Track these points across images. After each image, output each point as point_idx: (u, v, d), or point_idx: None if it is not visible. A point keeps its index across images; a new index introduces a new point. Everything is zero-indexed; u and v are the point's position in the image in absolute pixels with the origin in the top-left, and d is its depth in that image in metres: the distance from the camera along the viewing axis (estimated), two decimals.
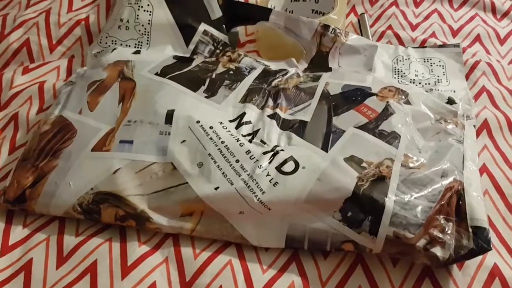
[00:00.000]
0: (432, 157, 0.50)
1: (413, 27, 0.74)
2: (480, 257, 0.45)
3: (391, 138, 0.51)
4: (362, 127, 0.52)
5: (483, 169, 0.54)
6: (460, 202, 0.46)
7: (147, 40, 0.64)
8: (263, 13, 0.66)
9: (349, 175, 0.47)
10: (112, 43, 0.64)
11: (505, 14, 0.78)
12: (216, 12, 0.66)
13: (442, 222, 0.44)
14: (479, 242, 0.44)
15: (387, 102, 0.55)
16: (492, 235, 0.48)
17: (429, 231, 0.44)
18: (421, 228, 0.44)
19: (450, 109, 0.56)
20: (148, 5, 0.65)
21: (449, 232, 0.44)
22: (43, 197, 0.49)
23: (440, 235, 0.44)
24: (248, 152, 0.49)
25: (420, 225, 0.44)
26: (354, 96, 0.56)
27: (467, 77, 0.65)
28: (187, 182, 0.48)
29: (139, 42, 0.63)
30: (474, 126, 0.58)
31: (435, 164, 0.49)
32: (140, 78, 0.57)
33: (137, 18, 0.64)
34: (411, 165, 0.49)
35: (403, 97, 0.56)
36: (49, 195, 0.49)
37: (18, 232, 0.49)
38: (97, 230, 0.49)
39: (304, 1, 0.75)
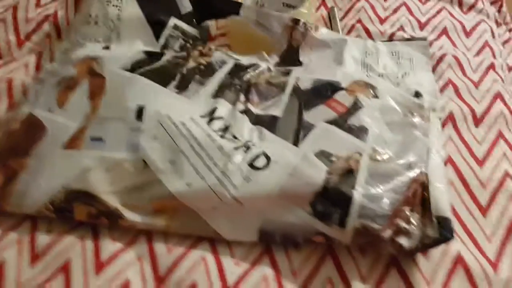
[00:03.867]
0: (399, 150, 0.51)
1: (382, 21, 0.76)
2: (444, 246, 0.47)
3: (360, 132, 0.52)
4: (332, 122, 0.53)
5: (448, 160, 0.56)
6: (425, 194, 0.48)
7: (117, 35, 0.63)
8: (233, 7, 0.66)
9: (319, 169, 0.48)
10: (82, 39, 0.63)
11: (471, 7, 0.80)
12: (186, 6, 0.66)
13: (407, 213, 0.46)
14: (443, 231, 0.45)
15: (356, 96, 0.56)
16: (456, 224, 0.50)
17: (395, 222, 0.45)
18: (387, 219, 0.45)
19: (416, 103, 0.58)
20: (117, 0, 0.65)
21: (414, 222, 0.46)
22: (15, 197, 0.49)
23: (406, 226, 0.45)
24: (220, 148, 0.50)
25: (387, 216, 0.45)
26: (324, 91, 0.57)
27: (433, 69, 0.67)
28: (159, 179, 0.49)
29: (108, 37, 0.63)
30: (440, 118, 0.59)
31: (402, 157, 0.50)
32: (110, 74, 0.56)
33: (106, 14, 0.64)
34: (378, 158, 0.50)
35: (372, 91, 0.57)
36: (21, 195, 0.49)
37: None
38: (70, 228, 0.49)
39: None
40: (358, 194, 0.46)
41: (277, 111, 0.55)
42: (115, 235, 0.48)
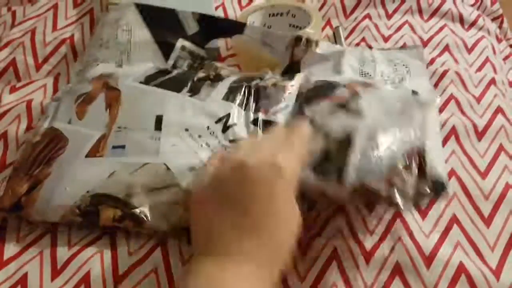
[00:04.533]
0: (398, 128, 0.52)
1: (386, 39, 0.78)
2: (447, 256, 0.49)
3: (357, 114, 0.53)
4: (333, 110, 0.54)
5: (452, 173, 0.58)
6: (421, 160, 0.49)
7: (127, 58, 0.66)
8: (238, 27, 0.69)
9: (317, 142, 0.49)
10: (94, 62, 0.66)
11: (472, 24, 0.82)
12: (192, 27, 0.68)
13: (403, 174, 0.47)
14: (438, 189, 0.48)
15: (355, 90, 0.56)
16: (460, 235, 0.52)
17: (392, 181, 0.47)
18: (385, 177, 0.47)
19: (414, 97, 0.58)
20: (127, 24, 0.67)
21: (410, 181, 0.47)
22: (39, 203, 0.51)
23: (402, 184, 0.47)
24: None
25: (384, 174, 0.47)
26: (324, 89, 0.58)
27: (436, 85, 0.69)
28: (179, 184, 0.51)
29: (119, 60, 0.66)
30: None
31: (400, 132, 0.51)
32: (125, 87, 0.59)
33: (117, 38, 0.67)
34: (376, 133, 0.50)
35: (370, 88, 0.58)
36: (45, 201, 0.51)
37: (11, 247, 0.52)
38: (89, 241, 0.51)
39: (281, 16, 0.78)
40: (355, 154, 0.47)
41: (283, 118, 0.56)
42: (132, 247, 0.51)
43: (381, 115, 0.54)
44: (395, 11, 0.83)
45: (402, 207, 0.46)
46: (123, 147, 0.53)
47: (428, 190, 0.47)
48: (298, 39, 0.68)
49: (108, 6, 0.72)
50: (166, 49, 0.67)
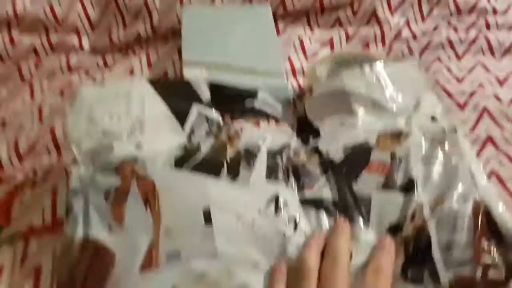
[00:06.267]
0: (447, 185, 0.53)
1: (460, 80, 0.77)
2: None
3: (411, 186, 0.54)
4: (384, 187, 0.54)
5: (491, 173, 0.59)
6: (490, 220, 0.50)
7: (140, 128, 0.61)
8: (250, 94, 0.69)
9: (396, 243, 0.50)
10: (103, 135, 0.60)
11: None
12: (205, 93, 0.67)
13: (485, 247, 0.48)
14: None
15: (390, 151, 0.57)
16: None
17: (481, 261, 0.47)
18: (473, 260, 0.47)
19: (437, 128, 0.60)
20: (139, 96, 0.63)
21: (494, 253, 0.48)
22: None
23: (490, 259, 0.47)
24: (298, 246, 0.51)
25: (471, 258, 0.47)
26: (358, 156, 0.58)
27: None
28: (248, 284, 0.48)
29: (132, 130, 0.61)
30: (466, 135, 0.61)
31: (453, 191, 0.52)
32: (157, 175, 0.55)
33: (130, 109, 0.62)
34: (435, 204, 0.52)
35: (399, 139, 0.59)
36: None
37: None
38: None
39: (349, 65, 0.75)
40: (436, 249, 0.48)
41: (330, 193, 0.55)
42: None
43: (427, 177, 0.54)
44: (465, 52, 0.83)
45: (499, 280, 0.46)
46: (178, 253, 0.49)
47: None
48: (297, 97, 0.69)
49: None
50: (181, 116, 0.64)
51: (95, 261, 0.50)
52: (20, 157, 0.71)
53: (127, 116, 0.61)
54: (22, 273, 0.55)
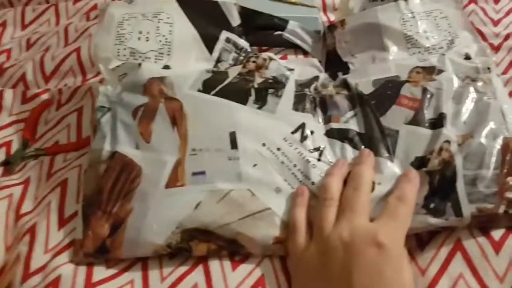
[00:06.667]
0: (478, 123, 0.52)
1: (495, 23, 0.74)
2: None
3: (440, 121, 0.53)
4: (413, 122, 0.54)
5: None
6: None
7: (168, 51, 0.61)
8: (280, 24, 0.68)
9: (421, 176, 0.50)
10: (131, 55, 0.60)
11: None
12: (236, 20, 0.65)
13: (511, 183, 0.48)
14: None
15: (422, 86, 0.56)
16: None
17: (505, 196, 0.48)
18: (497, 195, 0.48)
19: (471, 66, 0.58)
20: (168, 17, 0.62)
21: None
22: (127, 244, 0.48)
23: None
24: (321, 174, 0.51)
25: (495, 193, 0.48)
26: (388, 90, 0.57)
27: None
28: (270, 208, 0.49)
29: (159, 53, 0.60)
30: (498, 75, 0.60)
31: (483, 128, 0.52)
32: (185, 97, 0.54)
33: (158, 29, 0.61)
34: (464, 140, 0.51)
35: (431, 75, 0.57)
36: (133, 242, 0.48)
37: (101, 272, 0.48)
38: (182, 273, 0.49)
39: (382, 1, 0.72)
40: (460, 183, 0.48)
41: (357, 126, 0.55)
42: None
43: (458, 112, 0.53)
44: None
45: None
46: (203, 173, 0.50)
47: None
48: (328, 29, 0.68)
49: None
50: (209, 41, 0.63)
51: (122, 172, 0.51)
52: (45, 77, 0.71)
53: (156, 37, 0.61)
54: (48, 186, 0.56)
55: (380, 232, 0.43)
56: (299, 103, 0.56)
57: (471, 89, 0.55)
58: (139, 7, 0.63)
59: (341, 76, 0.62)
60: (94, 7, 0.82)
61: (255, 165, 0.50)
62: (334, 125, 0.55)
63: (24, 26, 0.81)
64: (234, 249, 0.48)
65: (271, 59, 0.61)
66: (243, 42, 0.64)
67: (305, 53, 0.69)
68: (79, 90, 0.67)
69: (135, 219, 0.49)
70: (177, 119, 0.53)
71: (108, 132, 0.54)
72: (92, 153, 0.53)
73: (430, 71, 0.58)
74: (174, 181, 0.50)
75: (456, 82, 0.56)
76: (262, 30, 0.67)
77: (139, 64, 0.58)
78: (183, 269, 0.48)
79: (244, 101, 0.55)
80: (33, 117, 0.65)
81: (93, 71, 0.70)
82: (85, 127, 0.62)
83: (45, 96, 0.67)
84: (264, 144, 0.52)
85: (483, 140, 0.50)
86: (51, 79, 0.71)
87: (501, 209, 0.47)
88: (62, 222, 0.52)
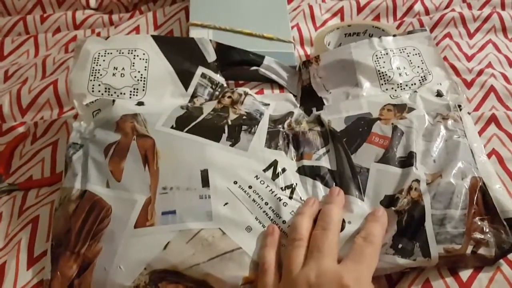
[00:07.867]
0: (446, 161, 0.53)
1: (469, 58, 0.75)
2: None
3: (410, 159, 0.53)
4: (383, 160, 0.54)
5: (492, 152, 0.58)
6: (486, 198, 0.50)
7: (143, 87, 0.61)
8: (256, 60, 0.69)
9: (390, 215, 0.50)
10: (105, 91, 0.60)
11: None
12: (212, 55, 0.66)
13: (479, 223, 0.49)
14: None
15: (392, 124, 0.57)
16: None
17: (472, 236, 0.48)
18: (464, 236, 0.48)
19: (442, 104, 0.59)
20: (144, 53, 0.63)
21: (487, 230, 0.48)
22: (95, 285, 0.48)
23: (482, 236, 0.48)
24: (292, 212, 0.51)
25: (463, 233, 0.48)
26: (360, 127, 0.57)
27: None
28: (241, 247, 0.49)
29: (134, 89, 0.61)
30: (469, 113, 0.61)
31: (452, 167, 0.52)
32: (157, 134, 0.55)
33: (133, 65, 0.61)
34: (433, 179, 0.52)
35: (402, 113, 0.58)
36: (101, 283, 0.48)
37: None
38: None
39: (358, 36, 0.76)
40: (429, 223, 0.48)
41: (329, 163, 0.55)
42: None
43: (427, 151, 0.54)
44: (477, 30, 0.81)
45: (489, 258, 0.47)
46: (173, 212, 0.50)
47: (507, 235, 0.48)
48: (303, 64, 0.68)
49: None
50: (185, 76, 0.63)
51: (91, 212, 0.50)
52: (22, 110, 0.70)
53: (131, 73, 0.61)
54: (20, 223, 0.55)
55: (346, 275, 0.43)
56: (272, 140, 0.56)
57: (442, 127, 0.56)
58: (115, 43, 0.64)
59: (315, 112, 0.62)
60: (74, 38, 0.82)
61: (226, 203, 0.50)
62: (306, 162, 0.55)
63: (2, 57, 0.81)
64: None
65: (246, 94, 0.62)
66: (218, 78, 0.65)
67: (282, 87, 0.70)
68: (54, 123, 0.67)
69: (103, 260, 0.48)
70: (149, 157, 0.53)
71: (79, 170, 0.54)
72: (63, 191, 0.53)
73: (401, 108, 0.58)
74: (143, 221, 0.50)
75: (427, 120, 0.57)
76: (238, 66, 0.68)
77: (113, 101, 0.58)
78: None
79: (217, 138, 0.55)
80: (7, 150, 0.64)
81: (70, 104, 0.70)
82: (59, 161, 0.62)
83: (21, 129, 0.67)
84: (235, 182, 0.52)
85: (452, 179, 0.51)
86: (28, 112, 0.71)
87: (469, 250, 0.48)
88: (32, 261, 0.51)
